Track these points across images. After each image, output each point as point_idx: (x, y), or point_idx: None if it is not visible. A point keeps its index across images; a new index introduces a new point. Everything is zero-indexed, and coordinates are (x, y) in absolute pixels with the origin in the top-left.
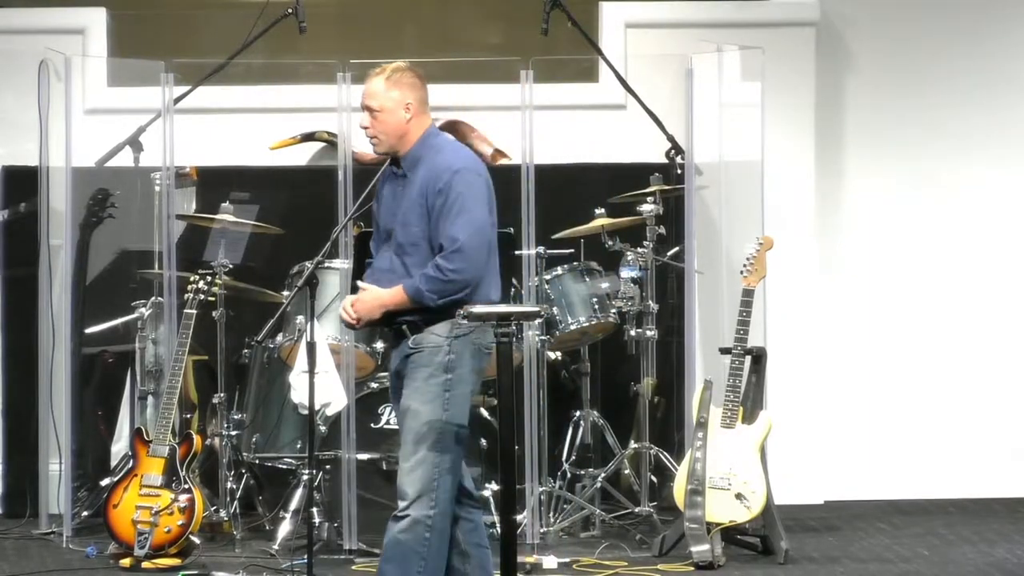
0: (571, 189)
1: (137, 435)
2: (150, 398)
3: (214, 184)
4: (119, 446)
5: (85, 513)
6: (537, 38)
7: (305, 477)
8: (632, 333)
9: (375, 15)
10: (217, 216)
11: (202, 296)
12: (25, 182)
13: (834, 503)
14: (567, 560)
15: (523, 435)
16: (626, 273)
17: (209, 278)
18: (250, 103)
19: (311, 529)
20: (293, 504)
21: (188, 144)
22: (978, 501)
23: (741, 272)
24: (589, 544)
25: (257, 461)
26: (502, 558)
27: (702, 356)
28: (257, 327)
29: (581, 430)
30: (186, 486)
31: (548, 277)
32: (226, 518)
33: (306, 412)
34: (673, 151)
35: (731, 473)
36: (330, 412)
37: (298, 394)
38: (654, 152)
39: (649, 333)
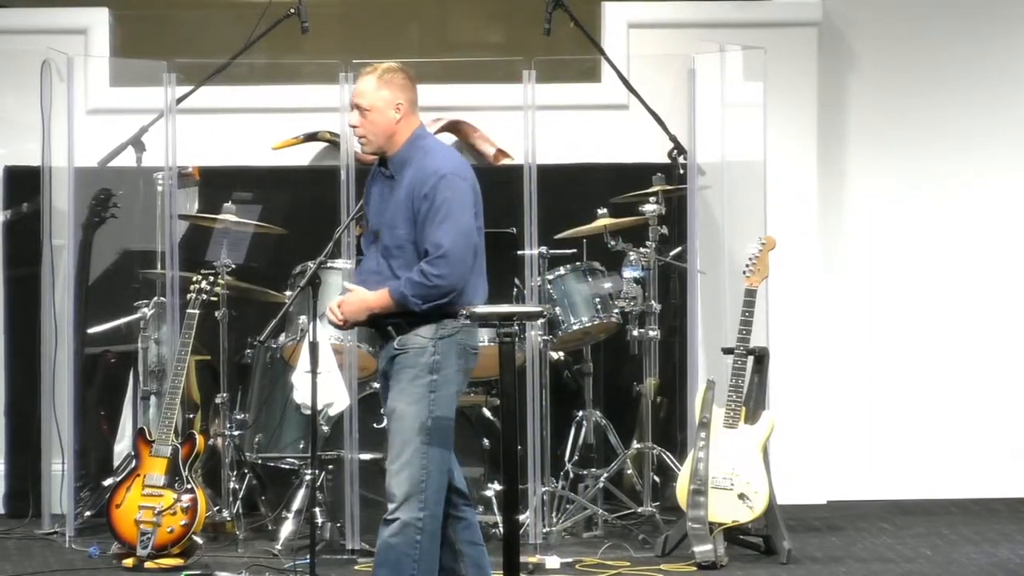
0: (573, 189)
1: (140, 435)
2: (153, 398)
3: (217, 184)
4: (122, 446)
5: (88, 513)
6: (540, 38)
7: (308, 477)
8: (635, 333)
9: (378, 15)
10: (220, 216)
11: (205, 296)
12: (27, 182)
13: (837, 503)
14: (570, 560)
15: (526, 435)
16: (628, 273)
17: (212, 278)
18: (252, 103)
19: (314, 529)
20: (296, 504)
21: (190, 144)
22: (980, 501)
23: (743, 272)
24: (592, 544)
25: (260, 461)
26: (505, 558)
27: (704, 356)
28: (260, 327)
29: (584, 430)
30: (189, 486)
31: (551, 277)
32: (229, 518)
33: (309, 412)
34: (675, 151)
35: (734, 473)
36: (333, 412)
37: (301, 394)
38: (656, 152)
39: (652, 333)
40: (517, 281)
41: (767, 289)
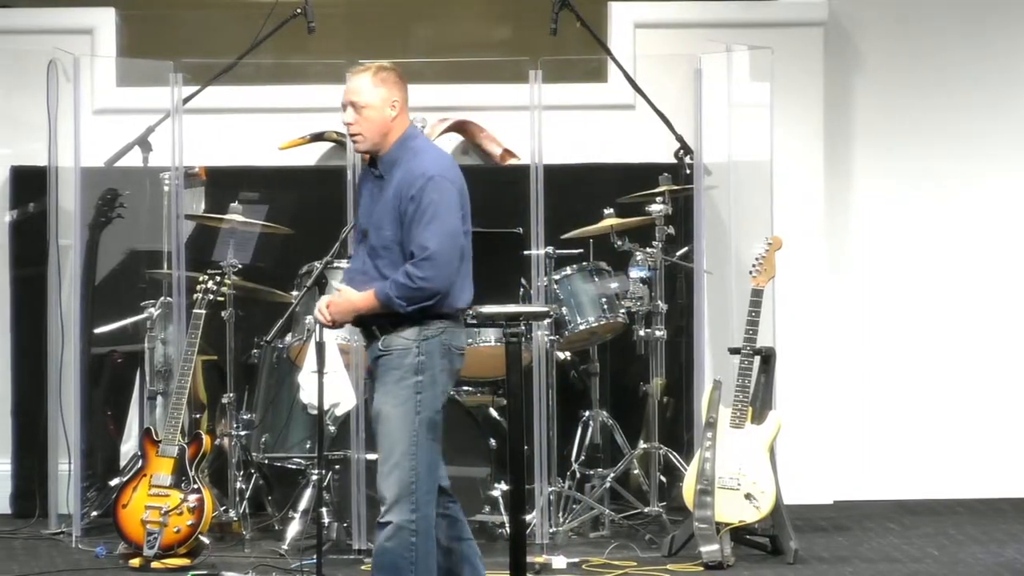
0: (580, 189)
1: (146, 435)
2: (159, 398)
3: (223, 184)
4: (128, 446)
5: (94, 513)
6: (546, 38)
7: (314, 477)
8: (641, 333)
9: (384, 15)
10: (226, 216)
11: (211, 296)
12: (34, 182)
13: (843, 503)
14: (576, 560)
15: (532, 435)
16: (635, 273)
17: (218, 278)
18: (259, 103)
19: (320, 529)
20: (302, 504)
21: (197, 144)
22: (987, 501)
23: (750, 272)
24: (598, 544)
25: (266, 461)
26: (511, 558)
27: (711, 356)
28: (266, 327)
29: (590, 430)
30: (195, 486)
31: (557, 277)
32: (235, 518)
33: (315, 412)
34: (682, 151)
35: (740, 473)
36: (339, 412)
37: (307, 394)
38: (663, 152)
39: (658, 333)
40: (524, 281)
41: (774, 289)
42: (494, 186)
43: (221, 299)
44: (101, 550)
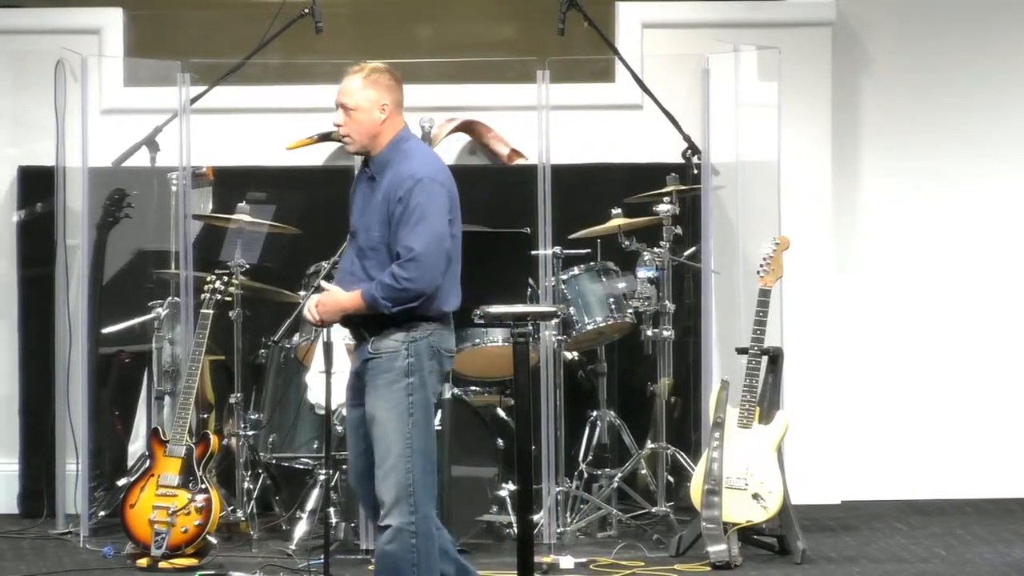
0: (587, 189)
1: (154, 435)
2: (167, 398)
3: (231, 184)
4: (136, 446)
5: (102, 513)
6: (553, 38)
7: (322, 477)
8: (649, 333)
9: (392, 15)
10: (234, 216)
11: (219, 296)
12: (41, 182)
13: (851, 503)
14: (584, 560)
15: (540, 435)
16: (643, 273)
17: (226, 278)
18: (267, 103)
19: (328, 529)
20: (310, 504)
21: (204, 144)
22: (995, 501)
23: (758, 272)
24: (606, 544)
25: (274, 461)
26: (519, 558)
27: (719, 356)
28: (274, 327)
29: (598, 430)
30: (203, 486)
31: (565, 277)
32: (243, 518)
33: (323, 412)
34: (690, 151)
35: (748, 473)
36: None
37: (315, 394)
38: (671, 152)
39: (666, 333)
40: (531, 281)
41: (781, 289)
42: (501, 186)
43: (229, 299)
44: (109, 550)
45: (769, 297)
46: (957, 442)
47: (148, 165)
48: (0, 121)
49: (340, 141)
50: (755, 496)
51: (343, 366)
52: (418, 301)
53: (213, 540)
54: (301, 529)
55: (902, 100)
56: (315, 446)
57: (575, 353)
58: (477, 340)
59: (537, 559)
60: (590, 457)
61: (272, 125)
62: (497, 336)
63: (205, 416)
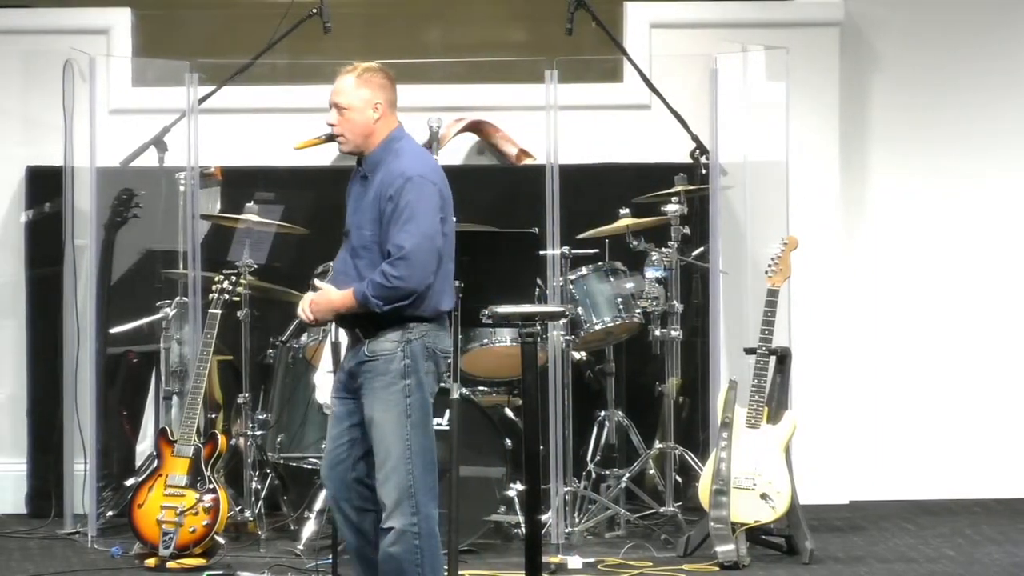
0: (596, 189)
1: (162, 435)
2: (175, 398)
3: (239, 184)
4: (144, 446)
5: (110, 513)
6: (562, 38)
7: None
8: (657, 333)
9: (400, 15)
10: (242, 216)
11: (227, 296)
12: (50, 182)
13: (859, 503)
14: (592, 560)
15: (548, 435)
16: (651, 273)
17: (234, 278)
18: (275, 103)
19: (335, 529)
20: (318, 504)
21: (213, 144)
22: (1004, 501)
23: (766, 272)
24: (614, 544)
25: (282, 461)
26: (527, 558)
27: (727, 356)
28: (282, 327)
29: (606, 430)
30: (211, 486)
31: (573, 277)
32: (251, 518)
33: (331, 412)
34: (698, 151)
35: (756, 473)
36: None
37: (323, 394)
38: (679, 152)
39: (674, 333)
40: (539, 281)
41: (789, 289)
42: (510, 186)
43: (237, 299)
44: (116, 550)
45: (777, 297)
46: (965, 442)
47: (156, 165)
48: (8, 121)
49: (335, 141)
50: (763, 496)
51: None
52: (409, 299)
53: (221, 540)
54: (309, 529)
55: (910, 100)
56: (323, 446)
57: (583, 353)
58: (485, 340)
59: (545, 559)
60: (598, 457)
61: (280, 125)
62: (505, 336)
63: (213, 416)
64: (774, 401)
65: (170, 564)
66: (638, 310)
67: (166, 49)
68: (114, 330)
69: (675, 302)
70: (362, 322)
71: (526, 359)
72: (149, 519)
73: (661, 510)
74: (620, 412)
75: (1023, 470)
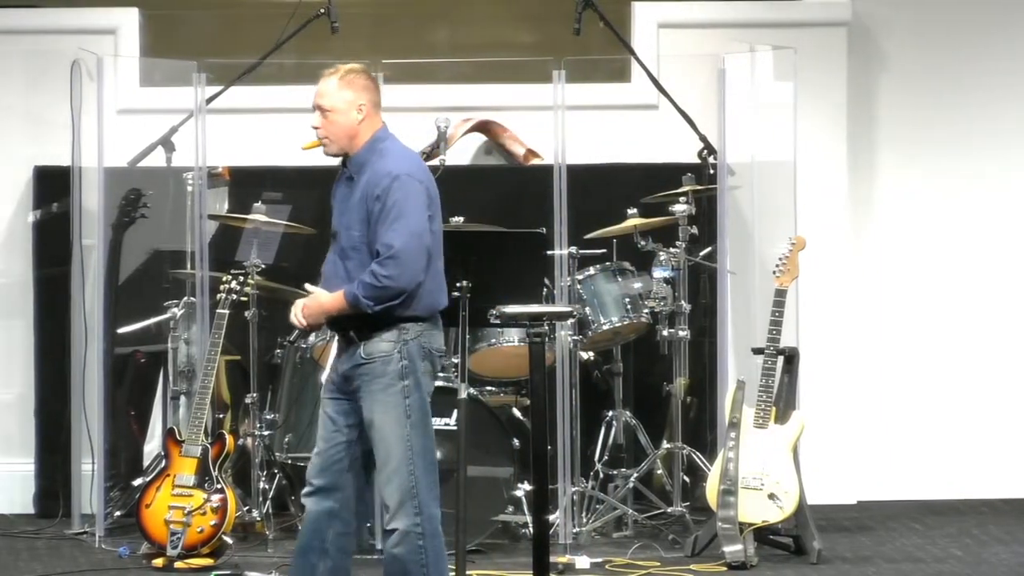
0: (603, 189)
1: (170, 435)
2: (183, 398)
3: (246, 184)
4: (152, 446)
5: (118, 513)
6: (569, 38)
7: None
8: (664, 333)
9: (407, 15)
10: (249, 216)
11: (234, 296)
12: (57, 182)
13: (867, 503)
14: (600, 560)
15: (555, 435)
16: (658, 273)
17: (241, 278)
18: (282, 103)
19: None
20: None
21: (220, 144)
22: (1011, 501)
23: (774, 272)
24: (622, 544)
25: (289, 461)
26: (535, 558)
27: (734, 356)
28: (289, 327)
29: (614, 430)
30: (219, 486)
31: (580, 277)
32: (259, 518)
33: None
34: (705, 151)
35: (764, 473)
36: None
37: None
38: (686, 152)
39: (681, 333)
40: (547, 281)
41: (797, 289)
42: (517, 186)
43: (244, 299)
44: (124, 550)
45: (785, 297)
46: (973, 442)
47: (164, 165)
48: (16, 121)
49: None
50: (771, 496)
51: None
52: (400, 299)
53: (229, 540)
54: None
55: (918, 99)
56: None
57: (591, 353)
58: (493, 340)
59: (553, 559)
60: (606, 457)
61: (288, 125)
62: (513, 336)
63: (221, 416)
64: (782, 401)
65: (178, 564)
66: (646, 310)
67: (173, 49)
68: (122, 330)
69: (683, 302)
70: (356, 324)
71: (534, 359)
72: (157, 519)
73: (669, 510)
74: (628, 412)
75: None
